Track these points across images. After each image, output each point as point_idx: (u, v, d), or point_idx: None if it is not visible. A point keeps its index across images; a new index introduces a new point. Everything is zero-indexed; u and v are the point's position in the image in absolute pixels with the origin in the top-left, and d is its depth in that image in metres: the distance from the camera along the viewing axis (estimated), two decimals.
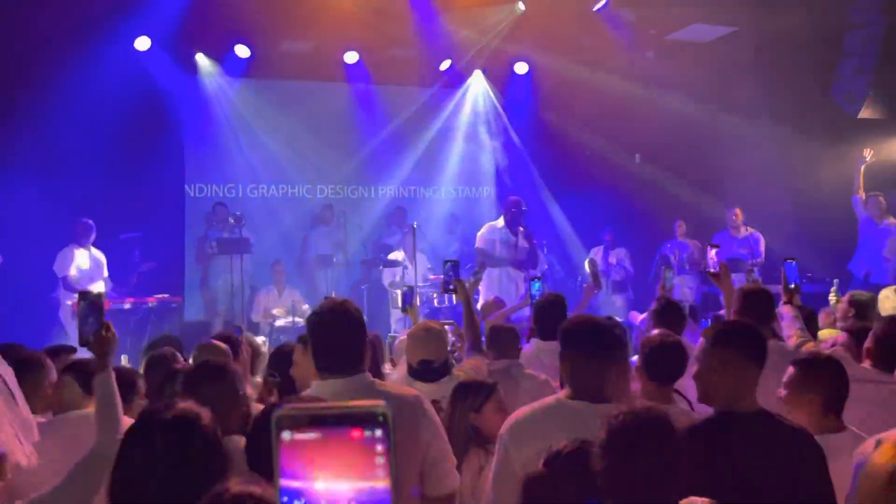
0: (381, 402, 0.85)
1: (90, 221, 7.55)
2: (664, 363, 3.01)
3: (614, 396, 2.53)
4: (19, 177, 7.50)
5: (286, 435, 0.84)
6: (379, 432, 0.84)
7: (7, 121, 7.64)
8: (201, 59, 9.36)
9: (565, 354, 2.56)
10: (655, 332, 3.25)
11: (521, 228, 7.58)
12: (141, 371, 3.58)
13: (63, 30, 7.65)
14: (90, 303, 2.70)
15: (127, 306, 7.49)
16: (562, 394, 2.56)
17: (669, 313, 3.93)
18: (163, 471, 1.75)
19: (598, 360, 2.50)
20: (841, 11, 8.36)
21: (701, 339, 2.55)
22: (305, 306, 8.43)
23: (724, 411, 2.36)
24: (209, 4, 8.31)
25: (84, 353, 3.70)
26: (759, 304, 3.57)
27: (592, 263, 5.34)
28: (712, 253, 4.18)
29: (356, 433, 0.84)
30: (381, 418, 0.85)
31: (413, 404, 2.50)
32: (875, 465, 1.56)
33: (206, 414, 1.83)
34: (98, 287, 7.42)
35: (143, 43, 8.59)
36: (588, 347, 2.52)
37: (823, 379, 2.65)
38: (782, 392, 2.71)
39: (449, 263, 4.48)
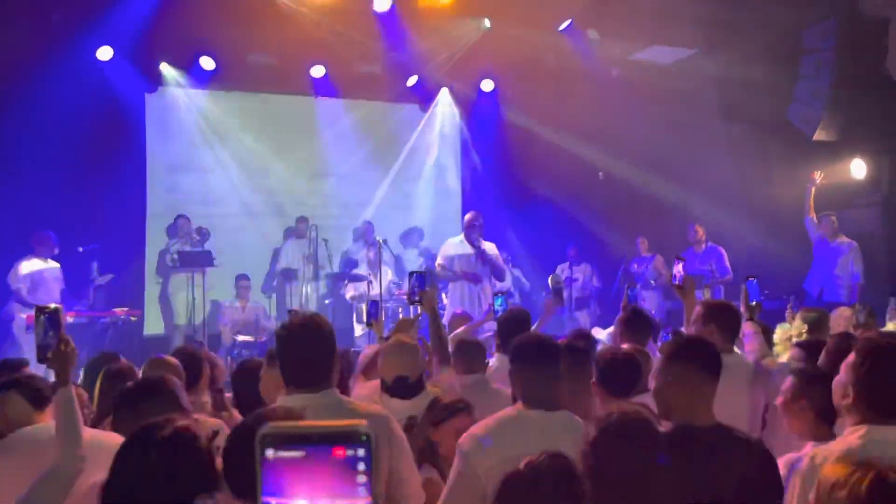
0: (364, 422, 0.86)
1: (51, 233, 7.37)
2: (617, 376, 3.08)
3: (572, 407, 2.72)
4: None
5: (270, 452, 0.85)
6: (361, 451, 0.85)
7: None
8: (165, 70, 9.25)
9: (515, 369, 2.75)
10: (610, 345, 3.31)
11: (479, 242, 7.66)
12: (97, 385, 3.50)
13: (24, 39, 7.52)
14: (48, 317, 2.66)
15: (84, 320, 7.32)
16: (518, 405, 2.68)
17: (637, 322, 3.99)
18: (157, 486, 1.77)
19: (545, 371, 2.67)
20: (797, 36, 8.65)
21: (658, 355, 2.61)
22: (271, 322, 8.36)
23: (681, 426, 2.41)
24: (173, 15, 8.22)
25: (37, 369, 3.63)
26: (724, 318, 3.64)
27: (556, 279, 5.40)
28: (679, 266, 4.26)
29: (339, 452, 0.85)
30: (363, 437, 0.86)
31: (380, 422, 2.50)
32: (826, 478, 1.70)
33: (202, 432, 1.83)
34: (53, 298, 7.25)
35: (105, 53, 8.47)
36: (534, 360, 2.69)
37: (819, 390, 2.72)
38: (779, 401, 2.80)
39: (415, 275, 4.40)
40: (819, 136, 8.43)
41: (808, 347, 3.70)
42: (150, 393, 2.57)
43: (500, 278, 8.05)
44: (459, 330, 5.05)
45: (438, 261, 7.80)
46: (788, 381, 2.83)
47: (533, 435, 2.50)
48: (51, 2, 7.42)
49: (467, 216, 7.94)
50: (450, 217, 10.91)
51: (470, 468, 2.51)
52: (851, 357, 2.35)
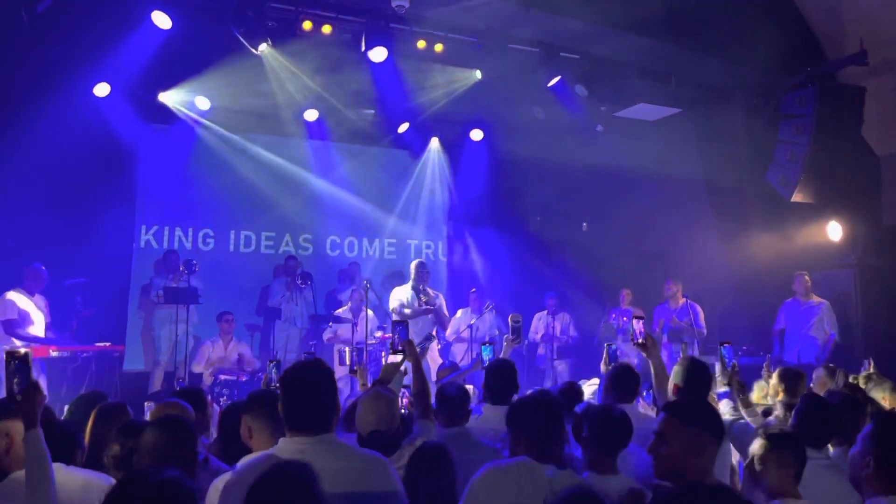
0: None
1: (42, 268, 7.36)
2: (610, 434, 3.12)
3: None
4: None
5: None
6: None
7: None
8: (160, 108, 9.36)
9: (513, 430, 2.91)
10: (602, 403, 3.39)
11: (423, 293, 8.00)
12: (89, 423, 3.50)
13: (22, 74, 7.61)
14: (18, 361, 2.71)
15: (66, 354, 7.27)
16: (523, 457, 2.80)
17: (625, 379, 4.06)
18: None
19: (546, 430, 2.85)
20: (776, 102, 8.96)
21: (664, 416, 2.68)
22: (254, 362, 8.35)
23: (694, 485, 2.47)
24: (171, 56, 8.38)
25: None
26: (702, 378, 3.74)
27: (514, 317, 5.49)
28: (639, 325, 4.37)
29: None
30: None
31: (382, 464, 2.57)
32: None
33: (185, 480, 1.87)
34: (38, 331, 7.23)
35: (102, 89, 8.56)
36: (536, 421, 2.87)
37: (793, 452, 2.79)
38: (749, 461, 2.87)
39: (398, 324, 4.40)
40: (797, 197, 8.67)
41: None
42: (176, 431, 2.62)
43: (444, 327, 8.42)
44: (448, 377, 5.09)
45: (389, 307, 8.11)
46: (757, 443, 2.90)
47: (537, 484, 2.64)
48: (51, 38, 7.52)
49: (413, 264, 8.25)
50: (438, 263, 11.04)
51: None
52: (869, 428, 2.43)
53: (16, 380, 2.68)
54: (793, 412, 3.49)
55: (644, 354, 4.34)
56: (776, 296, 8.76)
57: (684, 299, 9.01)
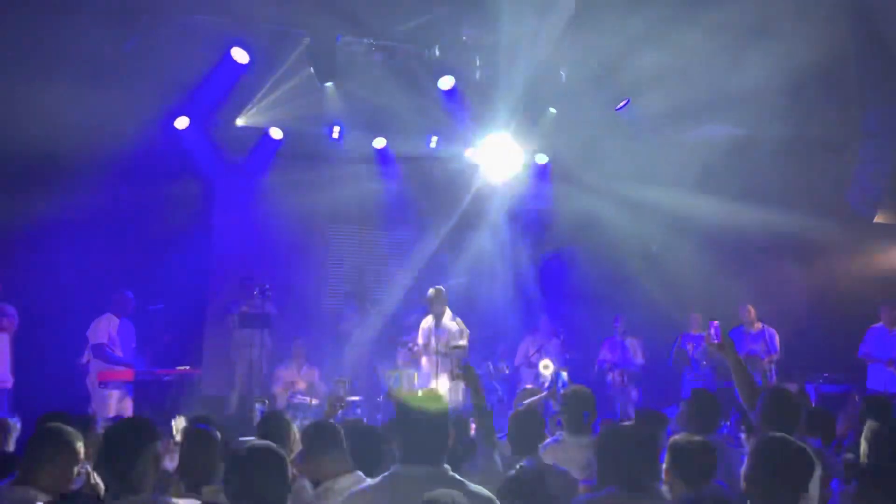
0: None
1: (131, 294, 7.70)
2: (694, 465, 3.06)
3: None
4: (58, 242, 7.69)
5: None
6: None
7: (55, 193, 7.88)
8: (235, 138, 9.67)
9: (604, 460, 2.89)
10: (684, 433, 3.32)
11: (440, 318, 8.05)
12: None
13: (108, 111, 8.00)
14: None
15: (149, 377, 7.55)
16: (612, 488, 2.80)
17: (707, 407, 3.97)
18: None
19: (640, 461, 2.84)
20: (856, 121, 8.67)
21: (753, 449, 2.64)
22: (324, 387, 8.48)
23: None
24: (247, 89, 8.71)
25: None
26: (788, 408, 3.61)
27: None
28: (715, 327, 4.23)
29: None
30: None
31: (491, 500, 2.58)
32: None
33: None
34: (125, 354, 7.54)
35: (181, 122, 8.93)
36: (629, 451, 2.85)
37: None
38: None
39: (454, 349, 4.43)
40: (879, 218, 8.37)
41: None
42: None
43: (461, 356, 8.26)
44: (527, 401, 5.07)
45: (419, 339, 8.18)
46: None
47: None
48: (136, 75, 7.89)
49: (429, 292, 8.28)
50: (496, 288, 10.93)
51: None
52: None
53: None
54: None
55: (721, 355, 4.15)
56: (857, 322, 8.42)
57: (760, 324, 8.74)
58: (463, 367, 4.31)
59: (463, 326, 8.16)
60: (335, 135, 9.57)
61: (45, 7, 6.98)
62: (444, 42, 8.37)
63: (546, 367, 8.59)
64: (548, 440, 4.35)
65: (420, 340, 8.11)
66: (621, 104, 8.76)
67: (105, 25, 7.35)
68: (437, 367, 7.81)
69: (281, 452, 2.49)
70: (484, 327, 10.11)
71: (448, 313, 8.14)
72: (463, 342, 7.96)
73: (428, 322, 8.17)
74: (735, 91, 8.66)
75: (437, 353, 7.80)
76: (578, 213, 10.78)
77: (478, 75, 8.73)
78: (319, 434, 3.33)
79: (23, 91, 7.12)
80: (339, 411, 5.03)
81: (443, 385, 7.60)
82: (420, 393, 2.76)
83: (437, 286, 8.29)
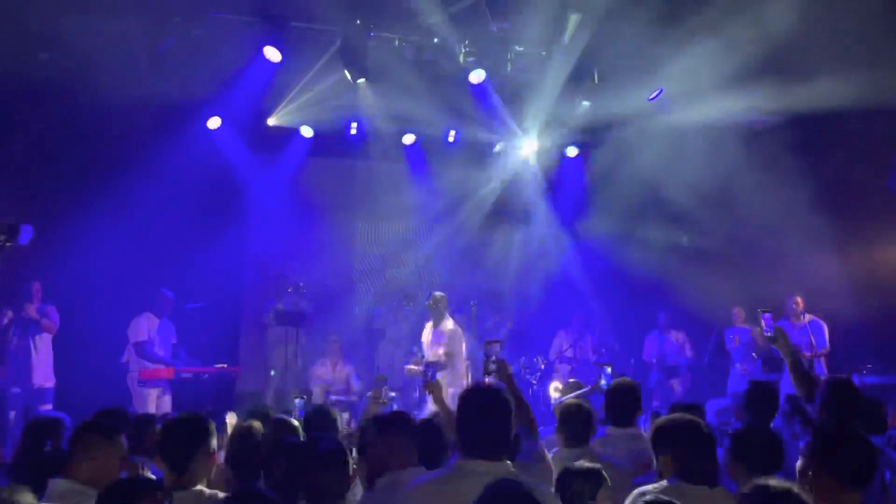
0: None
1: (170, 294, 7.78)
2: (756, 454, 3.00)
3: None
4: (96, 243, 7.77)
5: None
6: None
7: (93, 195, 7.99)
8: (267, 137, 9.73)
9: (664, 451, 2.85)
10: (747, 423, 3.26)
11: (440, 324, 7.86)
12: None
13: (143, 112, 8.09)
14: None
15: (189, 375, 7.62)
16: (673, 479, 2.77)
17: (764, 398, 3.89)
18: None
19: (701, 451, 2.80)
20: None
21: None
22: (359, 384, 8.49)
23: None
24: (278, 87, 8.75)
25: None
26: (847, 397, 3.53)
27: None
28: (767, 318, 4.14)
29: None
30: None
31: (548, 496, 2.55)
32: None
33: None
34: (165, 352, 7.60)
35: (214, 122, 9.00)
36: (690, 442, 2.81)
37: None
38: None
39: (490, 344, 4.16)
40: None
41: None
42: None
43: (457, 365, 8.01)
44: (569, 396, 5.03)
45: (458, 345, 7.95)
46: None
47: None
48: (169, 76, 7.95)
49: (428, 300, 8.11)
50: (533, 286, 10.88)
51: None
52: None
53: None
54: None
55: (775, 347, 4.12)
56: None
57: (809, 316, 8.54)
58: (496, 361, 4.12)
59: (460, 332, 7.93)
60: (353, 130, 9.62)
61: (80, 8, 7.05)
62: (473, 36, 8.31)
63: (556, 390, 8.35)
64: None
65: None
66: (654, 94, 8.64)
67: (140, 27, 7.42)
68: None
69: (346, 454, 2.49)
70: (518, 322, 10.09)
71: (448, 321, 7.91)
72: (441, 350, 7.68)
73: (427, 330, 8.07)
74: (771, 76, 8.51)
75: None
76: (611, 206, 10.69)
77: (509, 68, 8.65)
78: (386, 426, 3.29)
79: (63, 94, 7.22)
80: (381, 408, 5.01)
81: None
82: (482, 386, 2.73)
83: (436, 293, 8.09)
